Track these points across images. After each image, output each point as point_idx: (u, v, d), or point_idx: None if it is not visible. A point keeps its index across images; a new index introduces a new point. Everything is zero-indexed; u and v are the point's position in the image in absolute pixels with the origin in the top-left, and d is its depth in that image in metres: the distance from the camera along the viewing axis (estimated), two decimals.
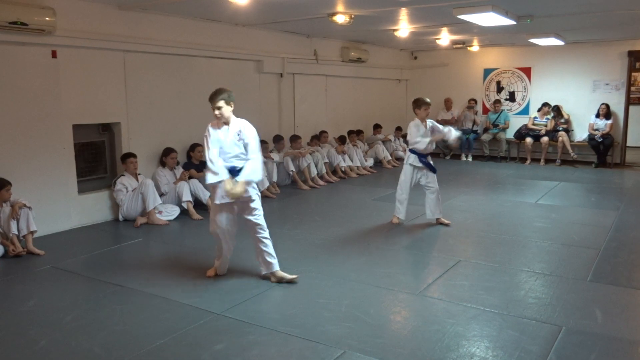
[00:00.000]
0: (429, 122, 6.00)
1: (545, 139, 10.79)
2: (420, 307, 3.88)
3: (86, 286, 4.41)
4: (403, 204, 6.13)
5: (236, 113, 4.26)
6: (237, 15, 7.06)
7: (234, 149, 4.17)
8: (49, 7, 5.43)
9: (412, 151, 6.00)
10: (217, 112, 4.15)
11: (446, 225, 6.03)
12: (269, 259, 4.30)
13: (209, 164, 4.13)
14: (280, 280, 4.31)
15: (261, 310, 3.80)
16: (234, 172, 4.16)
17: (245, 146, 4.19)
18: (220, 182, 4.10)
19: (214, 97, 4.14)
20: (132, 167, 6.38)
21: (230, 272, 4.52)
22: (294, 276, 4.34)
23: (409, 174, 6.03)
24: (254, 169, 4.16)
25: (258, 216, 4.28)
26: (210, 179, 4.12)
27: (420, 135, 5.89)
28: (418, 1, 6.34)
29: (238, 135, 4.17)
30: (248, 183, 4.13)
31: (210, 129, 4.19)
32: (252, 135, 4.21)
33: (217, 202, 4.18)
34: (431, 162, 6.04)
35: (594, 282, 4.30)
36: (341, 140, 9.81)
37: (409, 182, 6.05)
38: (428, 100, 5.97)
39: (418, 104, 5.93)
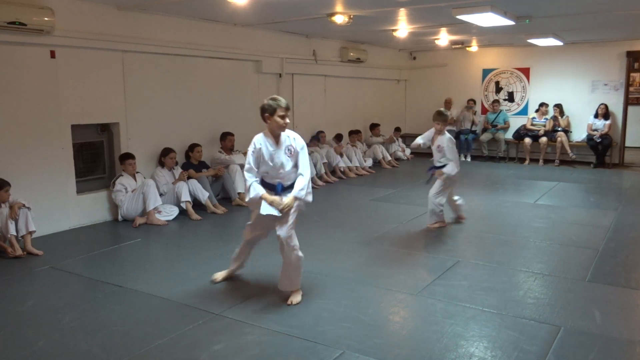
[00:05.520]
0: (440, 139, 5.86)
1: (544, 139, 10.80)
2: (419, 307, 3.88)
3: (85, 286, 4.41)
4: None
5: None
6: (235, 15, 7.05)
7: (285, 163, 3.87)
8: (47, 7, 5.42)
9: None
10: (288, 119, 3.80)
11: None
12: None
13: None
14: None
15: (260, 310, 3.80)
16: (284, 189, 3.94)
17: (296, 159, 3.89)
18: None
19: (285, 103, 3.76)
20: (131, 168, 6.37)
21: None
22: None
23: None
24: (305, 186, 3.88)
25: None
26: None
27: (423, 137, 5.94)
28: (417, 1, 6.34)
29: (288, 149, 3.86)
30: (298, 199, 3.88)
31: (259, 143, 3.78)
32: (302, 146, 3.91)
33: (264, 212, 3.84)
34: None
35: (592, 283, 4.30)
36: (338, 138, 9.84)
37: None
38: (445, 112, 5.93)
39: (434, 116, 5.89)
